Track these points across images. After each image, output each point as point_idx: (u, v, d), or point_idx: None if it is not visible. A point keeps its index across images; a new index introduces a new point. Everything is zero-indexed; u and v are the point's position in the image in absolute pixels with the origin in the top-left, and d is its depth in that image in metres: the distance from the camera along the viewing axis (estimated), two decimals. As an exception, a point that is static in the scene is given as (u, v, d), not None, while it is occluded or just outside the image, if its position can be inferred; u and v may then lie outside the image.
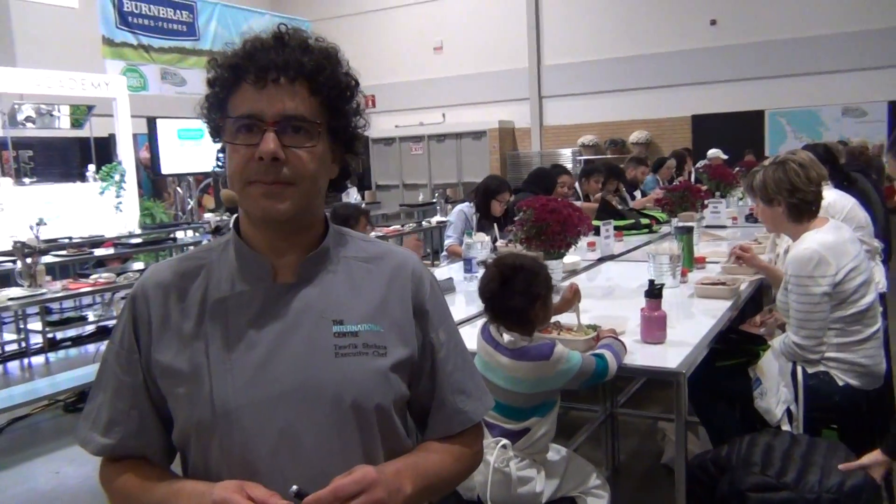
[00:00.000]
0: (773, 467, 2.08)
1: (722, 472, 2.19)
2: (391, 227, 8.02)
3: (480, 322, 2.23)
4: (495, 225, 4.92)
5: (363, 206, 4.48)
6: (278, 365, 1.12)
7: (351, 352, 1.14)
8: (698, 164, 9.16)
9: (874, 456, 2.07)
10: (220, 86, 1.13)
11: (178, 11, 9.83)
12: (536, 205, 3.09)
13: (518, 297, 2.04)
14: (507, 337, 2.06)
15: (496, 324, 2.09)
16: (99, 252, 6.95)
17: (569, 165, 10.66)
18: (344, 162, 1.22)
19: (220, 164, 1.20)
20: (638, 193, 7.21)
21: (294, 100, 1.10)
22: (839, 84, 10.66)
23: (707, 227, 5.19)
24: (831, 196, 3.46)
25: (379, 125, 14.36)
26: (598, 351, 2.12)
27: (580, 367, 2.00)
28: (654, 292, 2.35)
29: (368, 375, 1.14)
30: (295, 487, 1.01)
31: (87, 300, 7.39)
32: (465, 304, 3.21)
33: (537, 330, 2.14)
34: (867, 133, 10.52)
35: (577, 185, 6.49)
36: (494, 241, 4.39)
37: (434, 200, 9.83)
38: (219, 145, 1.19)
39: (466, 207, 5.05)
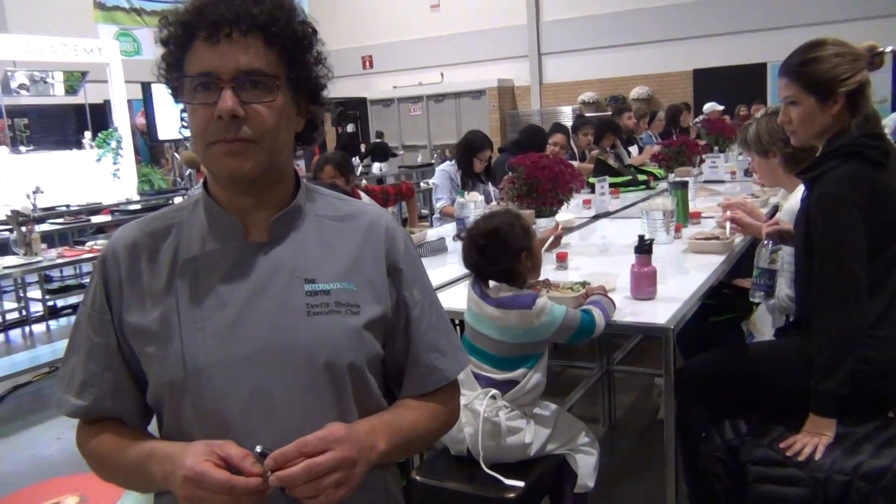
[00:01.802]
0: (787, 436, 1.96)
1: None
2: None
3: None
4: (489, 183, 4.87)
5: (336, 154, 4.28)
6: (249, 324, 1.11)
7: (323, 310, 1.13)
8: (697, 119, 9.06)
9: (812, 424, 1.93)
10: (174, 44, 1.10)
11: (169, -27, 9.69)
12: (527, 162, 3.06)
13: (501, 259, 2.06)
14: (492, 283, 2.08)
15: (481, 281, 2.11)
16: (97, 219, 6.96)
17: (569, 123, 10.54)
18: (310, 114, 1.19)
19: (185, 124, 1.18)
20: (634, 149, 7.13)
21: (248, 54, 1.07)
22: (844, 34, 9.95)
23: (705, 181, 5.14)
24: None
25: (377, 86, 14.24)
26: (585, 306, 2.11)
27: (563, 321, 2.00)
28: (643, 248, 2.33)
29: (341, 334, 1.13)
30: (259, 448, 1.00)
31: (87, 268, 7.42)
32: (458, 264, 3.19)
33: (531, 279, 2.17)
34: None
35: (570, 142, 6.42)
36: (488, 200, 4.36)
37: (433, 161, 9.78)
38: (180, 106, 1.17)
39: (448, 166, 4.95)
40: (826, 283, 1.95)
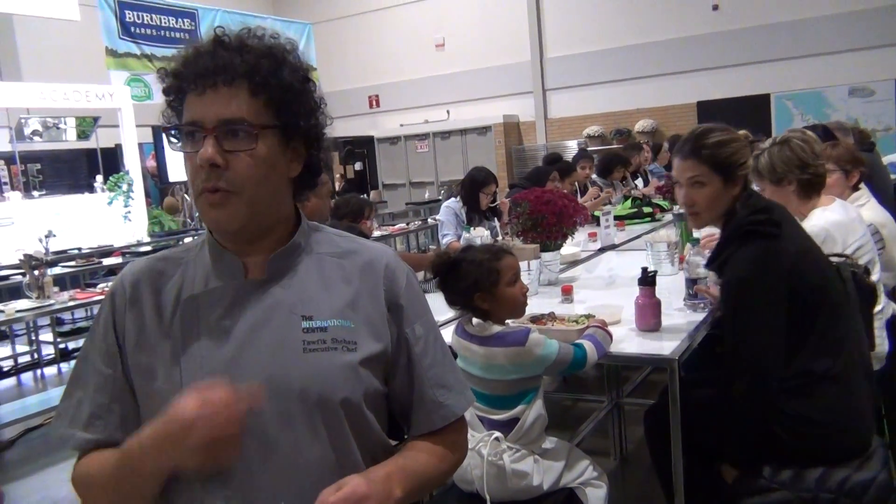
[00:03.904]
0: (769, 464, 1.97)
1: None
2: (397, 226, 8.04)
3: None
4: (496, 219, 4.91)
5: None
6: (247, 361, 1.13)
7: (319, 347, 1.15)
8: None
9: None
10: (173, 95, 1.15)
11: (179, 20, 9.90)
12: (531, 197, 3.09)
13: (452, 291, 2.10)
14: (475, 321, 2.08)
15: (466, 314, 2.13)
16: (108, 261, 7.01)
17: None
18: (309, 158, 1.22)
19: None
20: (640, 182, 7.17)
21: (230, 103, 1.10)
22: (845, 64, 10.54)
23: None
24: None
25: (384, 124, 14.38)
26: (578, 340, 2.11)
27: (557, 355, 2.01)
28: (647, 280, 2.34)
29: (336, 370, 1.15)
30: None
31: (98, 310, 7.44)
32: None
33: (502, 318, 2.14)
34: (875, 112, 10.41)
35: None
36: (495, 236, 4.39)
37: (440, 197, 9.85)
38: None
39: (453, 203, 4.99)
40: (738, 367, 1.97)
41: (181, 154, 1.18)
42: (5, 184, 8.99)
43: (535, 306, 2.35)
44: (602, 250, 4.12)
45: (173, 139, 1.16)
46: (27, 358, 6.34)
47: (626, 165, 6.88)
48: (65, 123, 8.88)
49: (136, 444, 1.06)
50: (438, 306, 2.31)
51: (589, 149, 11.63)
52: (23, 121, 8.47)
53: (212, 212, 1.12)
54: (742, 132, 2.20)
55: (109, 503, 1.14)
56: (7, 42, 10.25)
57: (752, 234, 1.99)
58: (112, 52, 9.23)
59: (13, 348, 6.34)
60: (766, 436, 1.96)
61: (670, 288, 2.92)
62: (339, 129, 12.56)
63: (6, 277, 6.14)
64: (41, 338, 6.35)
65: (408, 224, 8.25)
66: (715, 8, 11.36)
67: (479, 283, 2.05)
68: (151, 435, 1.03)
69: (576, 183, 6.10)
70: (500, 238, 4.23)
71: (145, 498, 1.09)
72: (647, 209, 5.30)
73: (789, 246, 1.99)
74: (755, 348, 1.93)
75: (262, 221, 1.17)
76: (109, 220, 8.33)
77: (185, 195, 10.13)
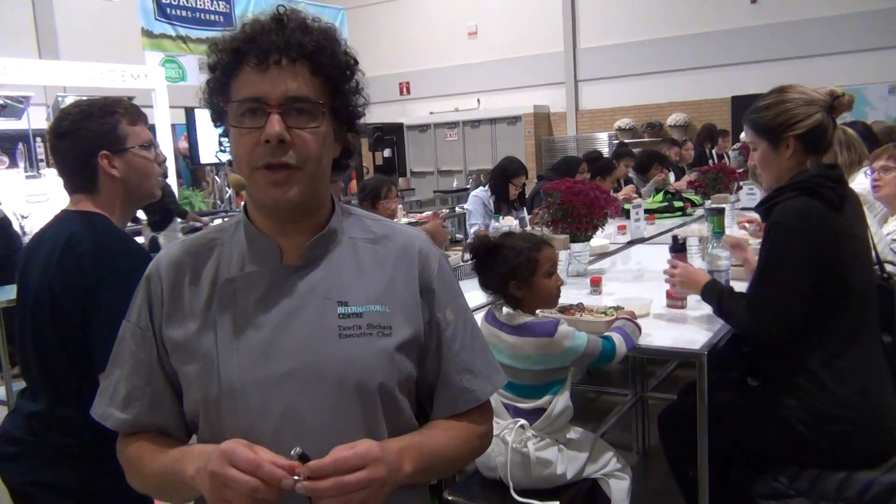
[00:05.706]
0: (790, 468, 1.95)
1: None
2: (424, 214, 8.04)
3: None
4: (525, 208, 4.90)
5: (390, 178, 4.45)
6: (283, 345, 1.13)
7: (355, 333, 1.15)
8: (735, 146, 8.98)
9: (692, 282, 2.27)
10: (221, 70, 1.14)
11: (214, 2, 9.93)
12: (562, 188, 3.08)
13: (488, 275, 2.09)
14: (505, 310, 2.08)
15: (496, 299, 2.12)
16: (139, 240, 7.09)
17: (605, 150, 10.52)
18: (345, 141, 1.23)
19: (222, 149, 1.22)
20: (672, 176, 7.10)
21: (296, 80, 1.10)
22: (885, 61, 10.32)
23: (742, 209, 5.10)
24: (867, 183, 3.36)
25: (414, 112, 14.38)
26: (607, 333, 2.10)
27: (586, 348, 2.00)
28: (677, 247, 2.32)
29: (372, 356, 1.15)
30: (298, 449, 1.01)
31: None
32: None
33: (532, 307, 2.14)
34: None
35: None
36: (522, 225, 4.38)
37: (468, 186, 9.84)
38: (219, 130, 1.20)
39: (481, 192, 5.00)
40: (754, 293, 2.01)
41: (212, 136, 1.19)
42: (41, 161, 9.12)
43: (563, 297, 2.34)
44: (631, 243, 4.10)
45: (217, 114, 1.16)
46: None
47: (665, 163, 6.82)
48: (100, 102, 8.99)
49: (181, 461, 1.10)
50: (471, 293, 2.33)
51: (618, 141, 11.54)
52: (60, 99, 8.56)
53: (271, 189, 1.11)
54: (826, 90, 2.10)
55: (152, 491, 1.20)
56: (46, 21, 10.41)
57: (812, 192, 1.98)
58: (148, 33, 9.31)
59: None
60: (787, 434, 1.94)
61: (700, 283, 2.90)
62: (368, 115, 12.44)
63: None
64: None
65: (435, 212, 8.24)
66: (753, 1, 11.18)
67: (515, 271, 2.04)
68: (198, 467, 1.05)
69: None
70: (528, 228, 4.22)
71: (186, 498, 1.14)
72: (678, 203, 5.25)
73: (843, 222, 1.99)
74: (776, 299, 1.93)
75: (313, 201, 1.18)
76: (142, 199, 8.44)
77: (216, 177, 10.23)
